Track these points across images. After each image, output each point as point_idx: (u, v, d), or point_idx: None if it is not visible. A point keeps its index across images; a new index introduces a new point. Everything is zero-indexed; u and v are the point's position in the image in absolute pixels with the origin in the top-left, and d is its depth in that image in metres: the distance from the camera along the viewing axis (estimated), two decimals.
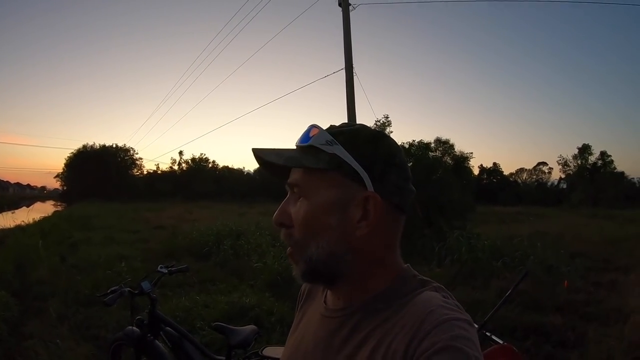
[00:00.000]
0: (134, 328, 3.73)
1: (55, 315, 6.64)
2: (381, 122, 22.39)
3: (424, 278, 1.01)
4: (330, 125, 1.04)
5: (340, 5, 12.86)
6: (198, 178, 66.95)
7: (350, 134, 1.00)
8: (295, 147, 1.04)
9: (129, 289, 3.63)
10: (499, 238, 12.12)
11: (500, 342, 2.93)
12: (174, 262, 7.45)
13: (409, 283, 0.99)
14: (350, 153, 0.97)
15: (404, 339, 0.84)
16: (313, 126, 1.02)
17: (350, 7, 12.90)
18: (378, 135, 1.03)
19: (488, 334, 3.04)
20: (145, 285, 3.70)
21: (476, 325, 3.28)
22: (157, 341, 3.71)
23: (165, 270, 3.99)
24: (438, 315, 0.84)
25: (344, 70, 12.70)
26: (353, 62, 12.72)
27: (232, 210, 31.83)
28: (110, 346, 4.06)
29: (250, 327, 3.57)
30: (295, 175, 1.00)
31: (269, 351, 3.17)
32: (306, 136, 1.01)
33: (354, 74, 12.66)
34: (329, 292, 1.12)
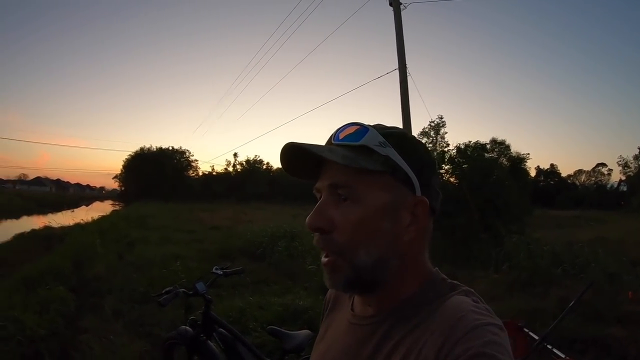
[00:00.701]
0: (188, 328, 3.73)
1: (111, 311, 6.73)
2: (435, 122, 22.19)
3: (454, 282, 0.99)
4: (374, 126, 1.01)
5: (391, 4, 12.72)
6: (252, 179, 67.59)
7: (399, 137, 0.98)
8: (338, 145, 0.98)
9: (183, 290, 3.63)
10: (557, 243, 11.66)
11: (562, 356, 2.84)
12: (229, 262, 7.51)
13: (439, 287, 0.97)
14: (402, 156, 0.95)
15: (434, 345, 0.82)
16: (352, 124, 1.00)
17: (402, 7, 12.73)
18: (420, 141, 1.04)
19: (549, 347, 2.95)
20: (200, 286, 3.69)
21: (537, 337, 3.19)
22: (209, 342, 3.70)
23: (220, 272, 3.97)
24: (469, 320, 0.82)
25: (397, 71, 12.57)
26: (406, 62, 12.59)
27: (286, 212, 31.91)
28: (164, 344, 4.07)
29: (305, 332, 3.51)
30: (341, 176, 0.95)
31: None
32: (357, 135, 0.96)
33: (408, 74, 12.53)
34: (356, 298, 1.09)
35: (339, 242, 0.94)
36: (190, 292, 3.64)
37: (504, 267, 9.79)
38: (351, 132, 0.97)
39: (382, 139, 0.95)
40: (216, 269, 4.00)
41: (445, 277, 1.00)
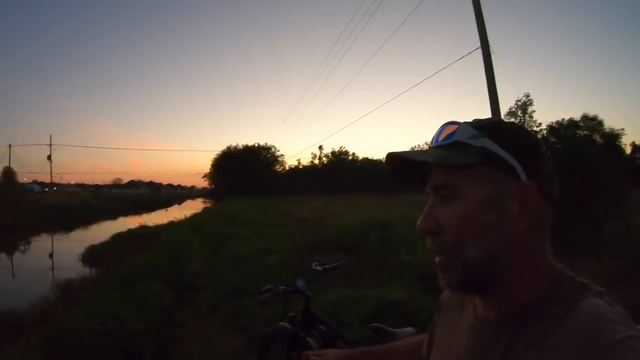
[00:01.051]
0: (287, 324, 3.68)
1: (207, 306, 6.80)
2: (522, 101, 21.55)
3: (583, 280, 0.89)
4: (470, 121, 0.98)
5: None
6: (338, 171, 67.57)
7: (492, 126, 0.95)
8: (434, 147, 0.97)
9: (283, 287, 3.57)
10: None
11: None
12: (320, 255, 7.45)
13: (566, 287, 0.87)
14: (498, 144, 0.91)
15: None
16: (449, 123, 0.97)
17: None
18: (518, 126, 1.03)
19: None
20: (300, 283, 3.61)
21: None
22: (309, 339, 3.63)
23: (320, 268, 3.86)
24: (607, 335, 0.72)
25: (479, 50, 12.25)
26: (489, 40, 12.24)
27: (374, 202, 31.39)
28: (261, 340, 4.04)
29: (409, 330, 3.32)
30: (441, 176, 0.93)
31: None
32: (451, 133, 0.95)
33: (492, 52, 12.16)
34: (477, 300, 1.02)
35: (448, 242, 0.91)
36: (290, 290, 3.56)
37: (606, 256, 9.11)
38: (449, 132, 0.96)
39: (474, 131, 0.93)
40: (316, 265, 3.89)
41: (573, 274, 0.91)
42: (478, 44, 12.22)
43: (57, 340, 4.87)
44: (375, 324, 3.26)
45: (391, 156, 0.98)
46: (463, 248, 0.89)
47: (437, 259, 0.93)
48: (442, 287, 0.99)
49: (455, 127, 0.95)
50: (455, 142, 0.93)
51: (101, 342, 4.93)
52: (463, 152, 0.91)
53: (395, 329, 3.20)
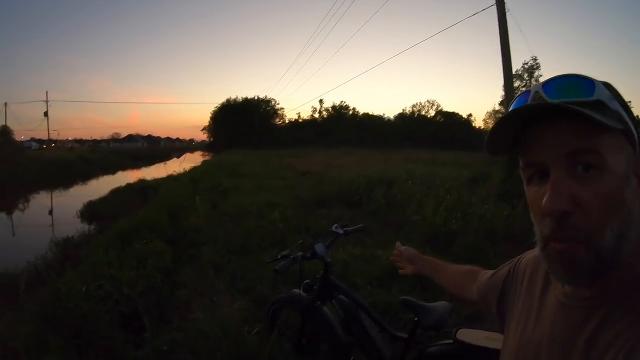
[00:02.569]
0: (302, 292, 3.37)
1: (209, 264, 6.56)
2: (529, 64, 21.26)
3: None
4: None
5: None
6: (339, 125, 67.96)
7: (614, 89, 0.85)
8: (566, 102, 0.79)
9: (302, 253, 3.24)
10: None
11: None
12: (324, 210, 7.16)
13: None
14: (626, 113, 0.83)
15: None
16: (570, 75, 0.84)
17: None
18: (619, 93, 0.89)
19: None
20: (319, 248, 3.26)
21: None
22: (325, 308, 3.32)
23: (340, 231, 3.51)
24: None
25: (494, 7, 11.83)
26: None
27: (375, 157, 31.49)
28: (271, 307, 3.77)
29: (443, 304, 2.91)
30: (586, 140, 0.79)
31: (463, 335, 2.45)
32: (582, 88, 0.81)
33: (507, 10, 11.74)
34: None
35: (585, 224, 0.78)
36: (309, 256, 3.23)
37: None
38: (570, 85, 0.83)
39: (608, 92, 0.83)
40: (336, 227, 3.54)
41: None
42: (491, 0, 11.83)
43: (51, 307, 4.62)
44: (406, 297, 2.88)
45: (528, 107, 0.83)
46: (602, 230, 0.77)
47: (557, 244, 0.81)
48: (560, 281, 0.89)
49: (575, 80, 0.83)
50: (597, 101, 0.80)
51: (98, 307, 4.68)
52: (604, 114, 0.79)
53: (428, 304, 2.82)
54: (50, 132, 76.66)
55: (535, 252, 1.01)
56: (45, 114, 72.15)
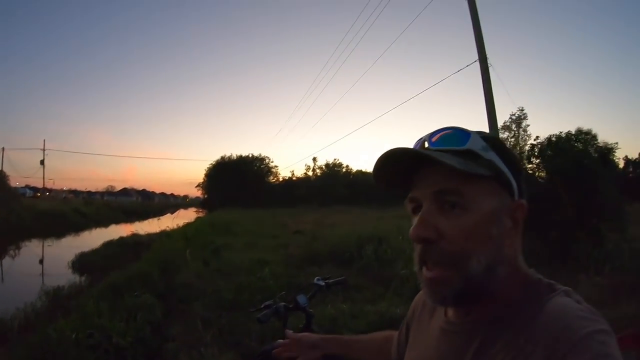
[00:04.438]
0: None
1: (198, 319, 6.60)
2: (516, 115, 21.53)
3: (550, 282, 0.94)
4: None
5: None
6: (332, 183, 67.77)
7: (497, 141, 0.98)
8: (439, 150, 0.94)
9: (284, 304, 3.36)
10: None
11: None
12: (315, 267, 7.22)
13: (537, 289, 0.92)
14: (502, 160, 0.94)
15: (539, 358, 0.78)
16: (451, 128, 0.98)
17: None
18: (505, 143, 1.04)
19: None
20: (302, 299, 3.38)
21: None
22: None
23: (322, 283, 3.64)
24: (574, 330, 0.77)
25: (477, 63, 12.19)
26: (487, 54, 12.19)
27: (369, 215, 31.33)
28: (257, 358, 3.85)
29: None
30: (451, 182, 0.91)
31: None
32: (458, 138, 0.95)
33: (489, 65, 12.10)
34: None
35: (449, 251, 0.90)
36: (291, 306, 3.34)
37: (606, 269, 8.94)
38: (449, 136, 0.96)
39: (484, 142, 0.94)
40: (318, 279, 3.66)
41: (541, 276, 0.96)
42: (475, 56, 12.24)
43: (41, 352, 4.67)
44: None
45: (396, 152, 0.95)
46: (467, 259, 0.88)
47: (428, 272, 0.92)
48: (432, 302, 1.01)
49: (454, 131, 0.96)
50: (468, 150, 0.92)
51: (87, 355, 4.73)
52: (475, 162, 0.91)
53: None
54: (45, 180, 76.53)
55: None
56: (42, 162, 72.03)
